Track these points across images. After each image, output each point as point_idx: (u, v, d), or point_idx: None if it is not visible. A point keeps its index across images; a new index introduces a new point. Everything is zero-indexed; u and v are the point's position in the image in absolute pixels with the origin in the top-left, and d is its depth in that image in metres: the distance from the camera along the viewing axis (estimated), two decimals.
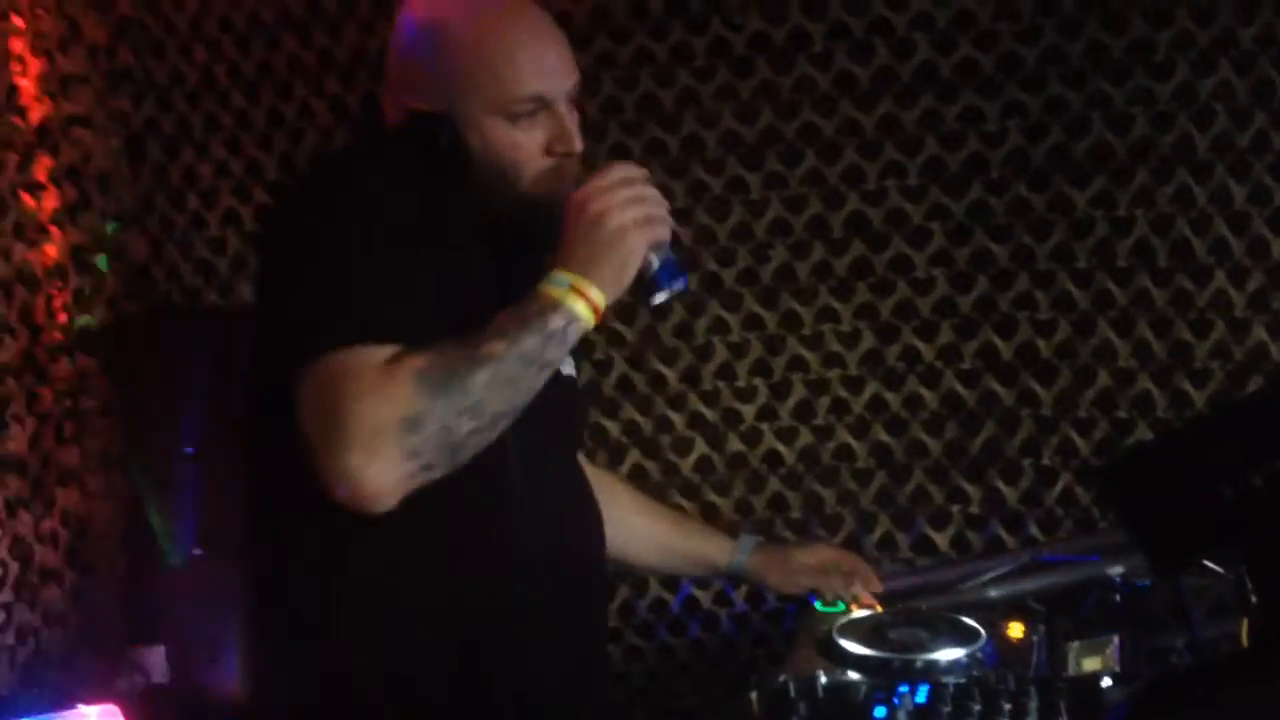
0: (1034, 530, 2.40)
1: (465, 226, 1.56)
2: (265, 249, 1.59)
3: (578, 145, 1.56)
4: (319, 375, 1.39)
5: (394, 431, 1.36)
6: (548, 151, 1.56)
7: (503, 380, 1.42)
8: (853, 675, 1.60)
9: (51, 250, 2.42)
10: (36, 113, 2.38)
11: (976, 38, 2.31)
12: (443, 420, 1.38)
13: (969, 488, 2.43)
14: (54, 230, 2.43)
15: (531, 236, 1.58)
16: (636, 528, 1.92)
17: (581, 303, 1.45)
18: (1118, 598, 1.88)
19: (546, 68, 1.54)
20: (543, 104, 1.54)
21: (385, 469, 1.37)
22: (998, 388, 2.39)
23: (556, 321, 1.44)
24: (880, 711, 1.49)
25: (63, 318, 2.43)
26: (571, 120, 1.57)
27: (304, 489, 1.40)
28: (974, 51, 2.31)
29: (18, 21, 2.34)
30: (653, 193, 1.51)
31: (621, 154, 2.46)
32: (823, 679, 1.55)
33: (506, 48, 1.53)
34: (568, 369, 1.67)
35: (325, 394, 1.38)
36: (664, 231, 1.50)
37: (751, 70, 2.39)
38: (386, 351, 1.40)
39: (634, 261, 1.47)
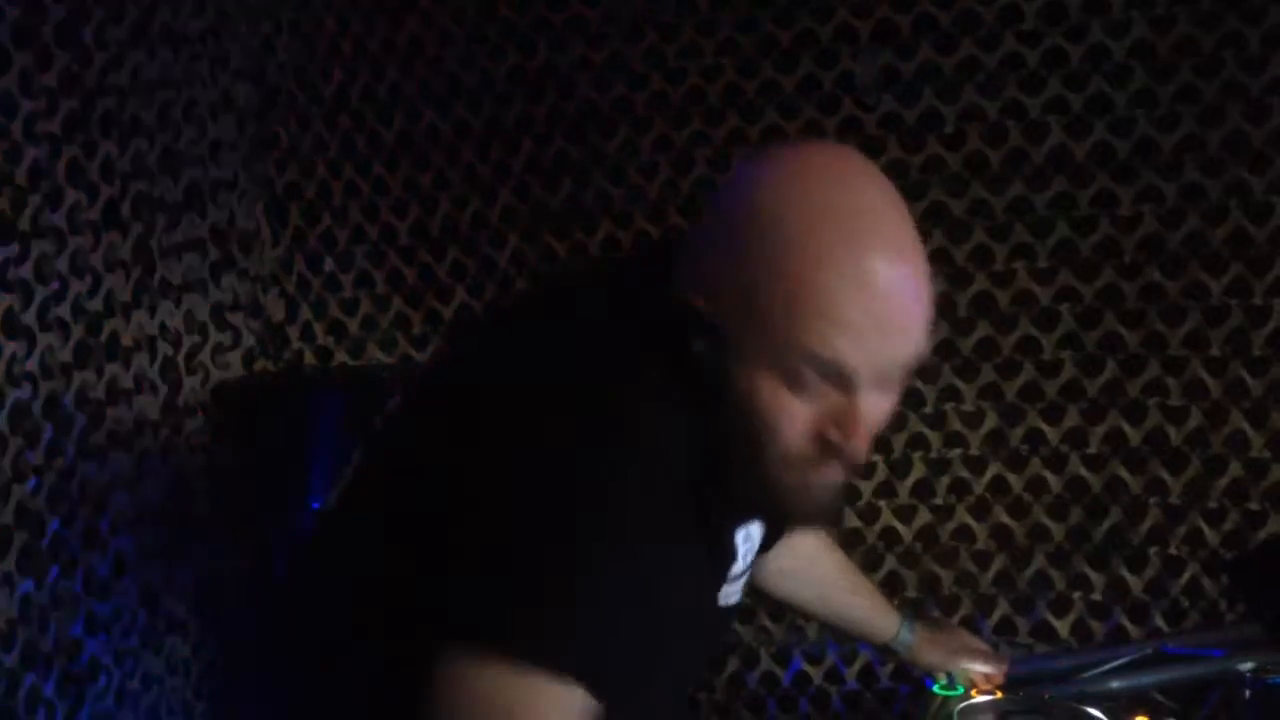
0: (1158, 620, 2.35)
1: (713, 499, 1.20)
2: (473, 438, 1.18)
3: (856, 445, 1.17)
4: (489, 694, 1.08)
5: None
6: (821, 428, 1.18)
7: None
8: None
9: (194, 308, 2.50)
10: (186, 177, 2.48)
11: (1112, 123, 2.30)
12: None
13: (1092, 574, 2.39)
14: (196, 290, 2.51)
15: (742, 514, 1.27)
16: (804, 559, 1.76)
17: None
18: (1247, 694, 1.83)
19: (872, 340, 1.14)
20: (836, 374, 1.16)
21: None
22: (1125, 474, 2.36)
23: None
24: None
25: (201, 374, 2.51)
26: (874, 409, 1.18)
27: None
28: (1109, 136, 2.31)
29: (174, 91, 2.44)
30: None
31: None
32: None
33: (840, 300, 1.13)
34: (737, 598, 1.41)
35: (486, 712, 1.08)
36: None
37: (882, 149, 2.40)
38: (580, 707, 1.08)
39: None
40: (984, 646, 1.96)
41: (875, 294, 1.15)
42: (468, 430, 1.17)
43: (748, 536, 1.41)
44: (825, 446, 1.19)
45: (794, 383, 1.16)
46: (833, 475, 1.21)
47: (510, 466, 1.14)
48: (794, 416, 1.17)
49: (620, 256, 2.35)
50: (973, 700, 1.80)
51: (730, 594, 1.40)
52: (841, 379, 1.17)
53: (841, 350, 1.15)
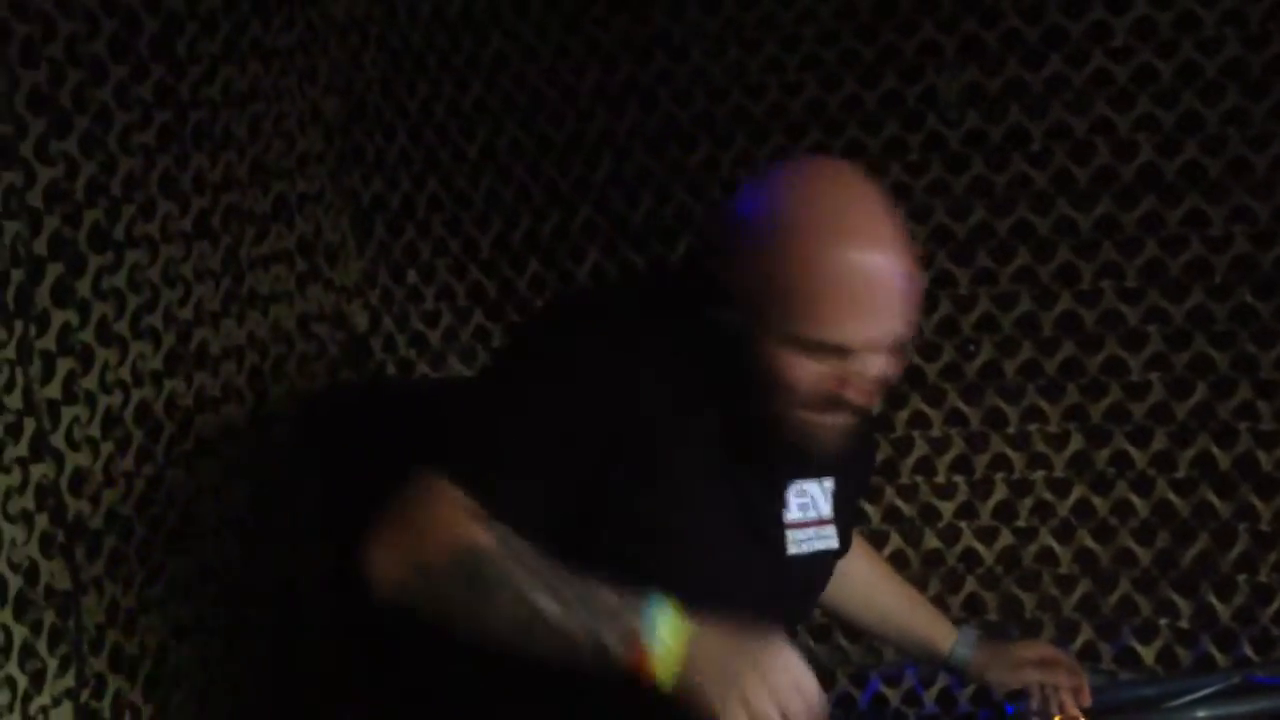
0: (1247, 649, 2.30)
1: (711, 426, 1.54)
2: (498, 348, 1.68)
3: (863, 398, 1.51)
4: (417, 486, 1.49)
5: (415, 553, 1.45)
6: (828, 385, 1.50)
7: (512, 626, 1.42)
8: None
9: (280, 318, 2.54)
10: (274, 189, 2.52)
11: (1203, 141, 2.27)
12: (439, 601, 1.45)
13: (1179, 601, 2.34)
14: (283, 301, 2.55)
15: (768, 453, 1.56)
16: (859, 578, 1.92)
17: (632, 647, 1.38)
18: None
19: (863, 322, 1.47)
20: (846, 350, 1.48)
21: (381, 572, 1.48)
22: (1214, 499, 2.31)
23: (611, 639, 1.38)
24: None
25: (286, 384, 2.54)
26: (873, 367, 1.50)
27: None
28: (1200, 154, 2.27)
29: (263, 104, 2.48)
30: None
31: None
32: None
33: (832, 293, 1.45)
34: (810, 548, 1.67)
35: (410, 493, 1.49)
36: None
37: (966, 166, 2.38)
38: (474, 508, 1.46)
39: (714, 710, 1.36)
40: (1053, 653, 1.94)
41: (855, 284, 1.45)
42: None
43: (802, 492, 1.67)
44: (832, 398, 1.50)
45: (804, 352, 1.47)
46: (841, 418, 1.52)
47: (514, 341, 1.65)
48: (806, 374, 1.48)
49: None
50: None
51: (807, 539, 1.66)
52: (840, 351, 1.47)
53: (834, 334, 1.46)
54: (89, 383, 2.09)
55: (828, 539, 1.70)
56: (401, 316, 2.73)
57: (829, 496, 1.71)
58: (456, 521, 1.45)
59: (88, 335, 2.09)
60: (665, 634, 1.38)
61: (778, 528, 1.64)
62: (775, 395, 1.50)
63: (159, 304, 2.23)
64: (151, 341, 2.21)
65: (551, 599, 1.40)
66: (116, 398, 2.14)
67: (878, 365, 1.51)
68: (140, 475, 2.18)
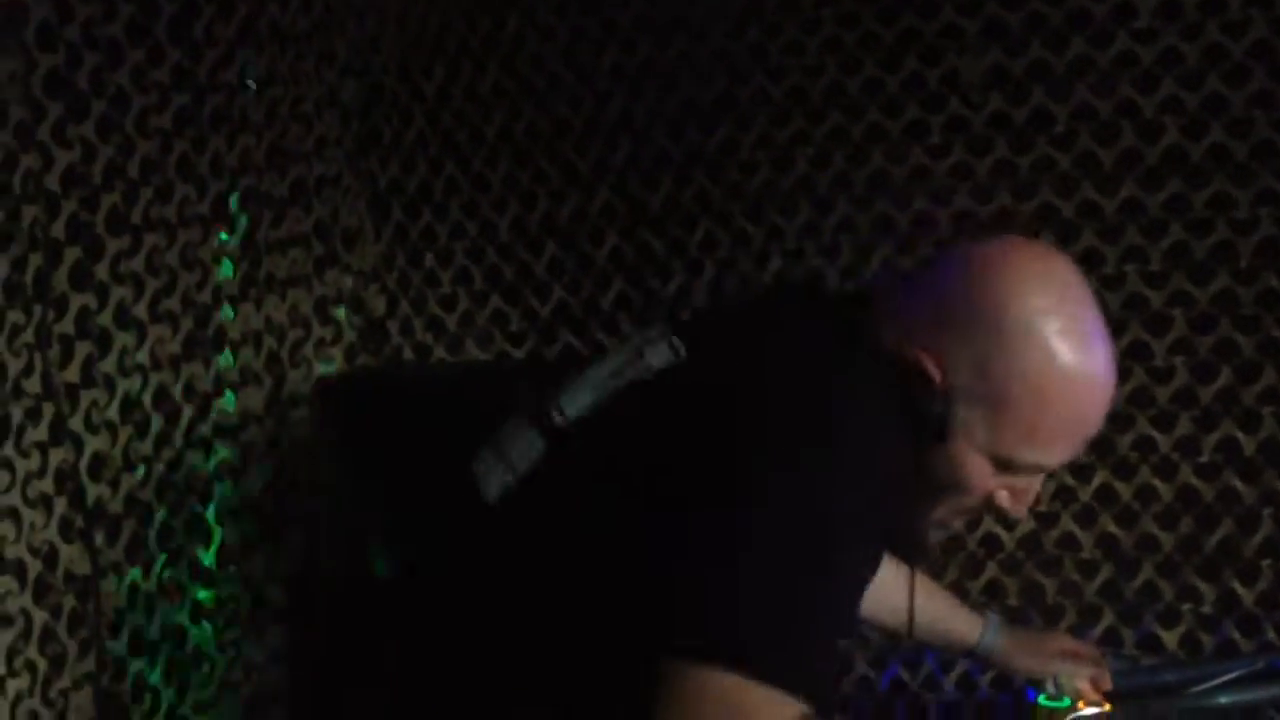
0: (1270, 634, 2.28)
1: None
2: (711, 443, 1.27)
3: (1020, 514, 1.40)
4: (714, 695, 1.17)
5: None
6: (1003, 499, 1.38)
7: None
8: None
9: (298, 303, 2.53)
10: (292, 172, 2.50)
11: (1229, 123, 2.24)
12: None
13: (1202, 586, 2.32)
14: (300, 284, 2.54)
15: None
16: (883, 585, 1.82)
17: None
18: None
19: (1074, 449, 1.36)
20: (1039, 472, 1.38)
21: None
22: (1238, 484, 2.29)
23: None
24: None
25: (304, 367, 2.54)
26: (1036, 487, 1.40)
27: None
28: (1226, 137, 2.24)
29: (281, 88, 2.47)
30: None
31: (849, 228, 2.47)
32: None
33: (1062, 427, 1.32)
34: None
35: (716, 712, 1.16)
36: None
37: (989, 149, 2.36)
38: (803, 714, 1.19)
39: None
40: (1081, 647, 1.92)
41: (1089, 420, 1.36)
42: (713, 437, 1.27)
43: None
44: (994, 510, 1.39)
45: (1001, 469, 1.35)
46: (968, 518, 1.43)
47: (766, 482, 1.23)
48: (988, 486, 1.36)
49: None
50: (1080, 713, 1.76)
51: None
52: (1037, 471, 1.38)
53: (1046, 459, 1.36)
54: (107, 366, 2.09)
55: None
56: (418, 300, 2.72)
57: None
58: None
59: (106, 319, 2.09)
60: None
61: None
62: (943, 495, 1.37)
63: (177, 287, 2.22)
64: (170, 325, 2.21)
65: None
66: (135, 382, 2.14)
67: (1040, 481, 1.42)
68: (159, 459, 2.18)
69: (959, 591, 2.43)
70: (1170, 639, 2.34)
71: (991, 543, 2.43)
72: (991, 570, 2.44)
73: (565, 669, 1.32)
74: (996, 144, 2.36)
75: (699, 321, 1.65)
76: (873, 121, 2.42)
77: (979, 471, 1.34)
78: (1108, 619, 2.38)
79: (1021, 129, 2.35)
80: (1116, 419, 2.34)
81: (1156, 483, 2.34)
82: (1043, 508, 2.39)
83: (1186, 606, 2.34)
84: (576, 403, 1.41)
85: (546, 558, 1.35)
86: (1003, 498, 1.38)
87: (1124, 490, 2.36)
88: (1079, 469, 2.37)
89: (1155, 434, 2.33)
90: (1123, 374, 2.29)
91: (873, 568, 1.33)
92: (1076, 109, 2.32)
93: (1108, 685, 1.89)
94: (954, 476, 1.34)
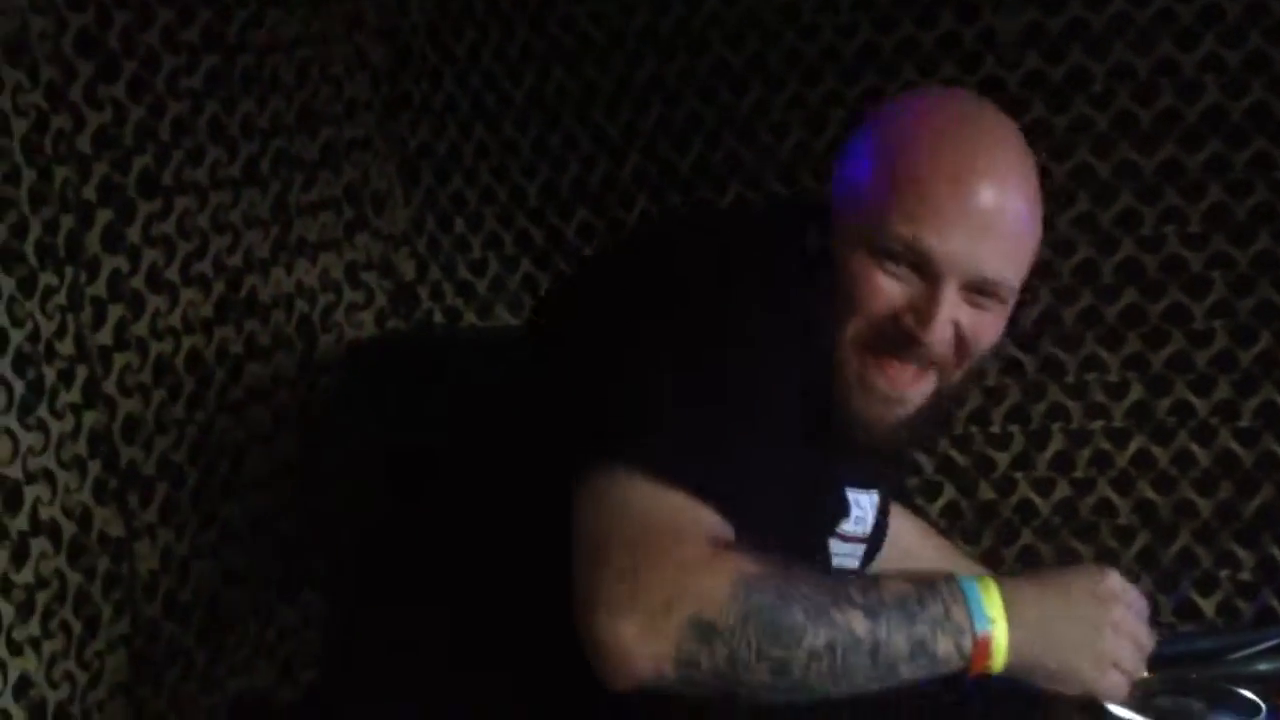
0: None
1: (815, 371, 1.27)
2: (598, 303, 1.28)
3: (930, 334, 1.28)
4: (625, 504, 1.12)
5: (684, 626, 1.08)
6: (896, 314, 1.29)
7: (837, 661, 1.11)
8: None
9: (328, 267, 2.52)
10: (322, 135, 2.49)
11: (1269, 82, 2.20)
12: (740, 656, 1.09)
13: (1240, 552, 2.30)
14: (331, 248, 2.53)
15: (834, 424, 1.31)
16: (899, 541, 1.70)
17: (976, 647, 1.14)
18: None
19: (943, 228, 1.26)
20: (920, 259, 1.28)
21: (653, 654, 1.09)
22: (1277, 449, 2.26)
23: (945, 647, 1.13)
24: None
25: (335, 332, 2.53)
26: (953, 307, 1.28)
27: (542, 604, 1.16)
28: (1268, 95, 2.20)
29: (310, 49, 2.46)
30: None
31: None
32: None
33: (913, 187, 1.27)
34: (851, 564, 1.45)
35: (627, 532, 1.10)
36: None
37: (1025, 108, 2.33)
38: (716, 526, 1.13)
39: (1082, 687, 1.21)
40: None
41: (970, 198, 1.26)
42: (587, 289, 1.31)
43: (858, 503, 1.48)
44: (901, 334, 1.28)
45: (883, 261, 1.27)
46: (909, 377, 1.29)
47: (637, 289, 1.24)
48: (878, 291, 1.27)
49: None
50: None
51: (842, 555, 1.44)
52: (926, 265, 1.27)
53: (926, 234, 1.26)
54: (140, 329, 2.09)
55: (855, 560, 1.49)
56: (449, 265, 2.71)
57: (874, 513, 1.53)
58: (710, 551, 1.11)
59: (138, 282, 2.09)
60: (989, 609, 1.15)
61: (833, 530, 1.43)
62: (847, 320, 1.29)
63: (209, 251, 2.22)
64: (201, 289, 2.20)
65: (861, 617, 1.11)
66: (168, 345, 2.14)
67: (963, 312, 1.30)
68: (192, 422, 2.18)
69: (994, 559, 2.43)
70: (1208, 606, 2.32)
71: (1027, 509, 2.41)
72: (1027, 537, 2.42)
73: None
74: (1033, 103, 2.32)
75: None
76: (908, 80, 2.38)
77: (865, 272, 1.28)
78: (1144, 586, 2.32)
79: (1058, 88, 2.31)
80: (1155, 383, 2.32)
81: (1194, 448, 2.31)
82: (1079, 473, 2.37)
83: (1224, 573, 2.32)
84: None
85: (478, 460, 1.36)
86: (904, 314, 1.29)
87: (1161, 455, 2.33)
88: (1116, 434, 2.35)
89: (1194, 398, 2.30)
90: (1161, 338, 2.31)
91: (789, 387, 1.24)
92: (1114, 67, 2.28)
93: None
94: (847, 286, 1.28)
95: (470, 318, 2.71)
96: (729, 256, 1.27)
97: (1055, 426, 2.38)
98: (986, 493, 2.43)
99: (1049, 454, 2.39)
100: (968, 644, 1.15)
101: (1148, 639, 1.32)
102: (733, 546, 1.14)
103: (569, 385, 1.24)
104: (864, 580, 1.22)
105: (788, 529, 1.21)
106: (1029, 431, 2.39)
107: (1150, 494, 2.34)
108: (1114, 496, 2.37)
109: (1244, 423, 2.28)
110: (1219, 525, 2.31)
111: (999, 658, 1.16)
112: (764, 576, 1.11)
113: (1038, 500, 2.41)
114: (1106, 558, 2.37)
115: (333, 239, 2.52)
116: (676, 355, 1.19)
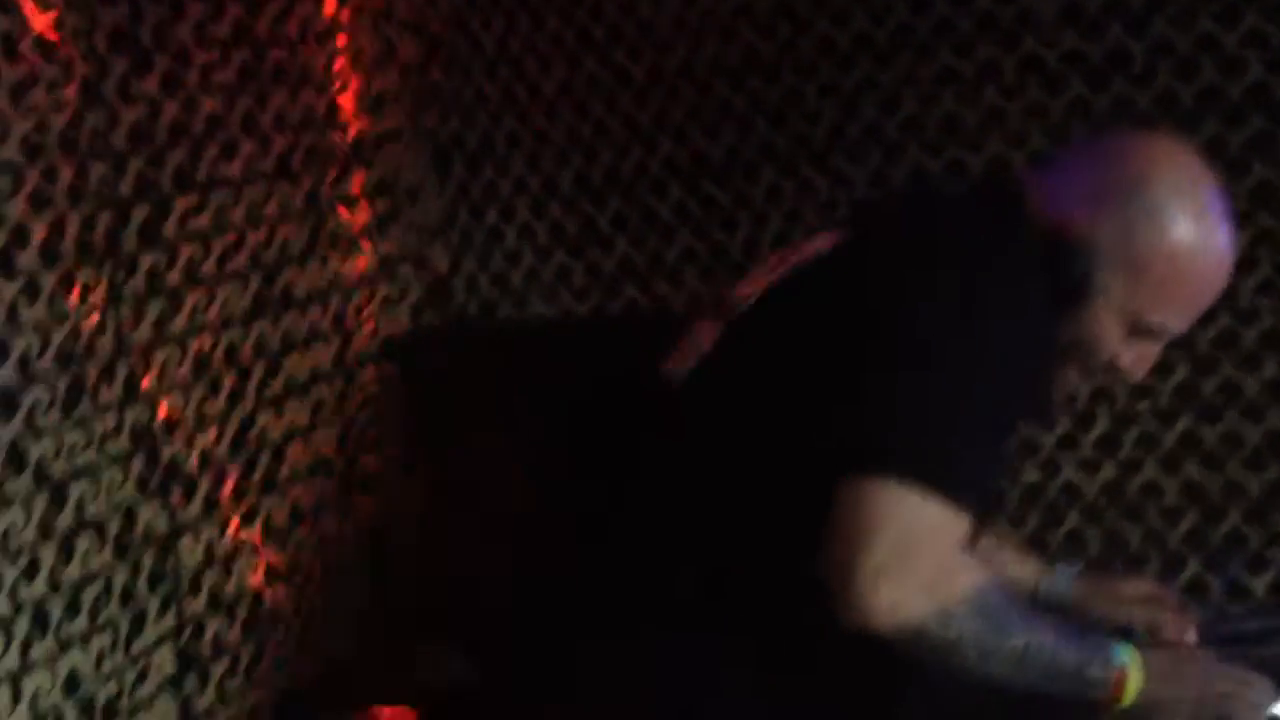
0: None
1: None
2: (886, 297, 1.42)
3: (1138, 376, 1.54)
4: (897, 503, 1.33)
5: (931, 609, 1.35)
6: (1129, 363, 1.51)
7: (1024, 662, 1.39)
8: None
9: (362, 260, 2.51)
10: (354, 129, 2.48)
11: None
12: (962, 641, 1.37)
13: None
14: (365, 241, 2.52)
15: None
16: None
17: (1116, 680, 1.41)
18: None
19: (1196, 314, 1.51)
20: (1163, 337, 1.51)
21: (899, 619, 1.34)
22: None
23: (1094, 685, 1.41)
24: None
25: (370, 325, 2.52)
26: (1156, 354, 1.53)
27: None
28: None
29: (340, 42, 2.44)
30: None
31: (921, 174, 2.42)
32: None
33: (1195, 290, 1.49)
34: None
35: (898, 523, 1.33)
36: None
37: (1065, 87, 2.31)
38: (964, 528, 1.37)
39: None
40: (1162, 591, 1.88)
41: (1212, 288, 1.50)
42: (880, 300, 1.42)
43: None
44: (1116, 369, 1.51)
45: (1130, 330, 1.48)
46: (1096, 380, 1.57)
47: (934, 331, 1.39)
48: (1115, 348, 1.48)
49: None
50: None
51: None
52: (1161, 336, 1.50)
53: (1176, 323, 1.50)
54: (178, 325, 2.07)
55: None
56: (483, 256, 2.69)
57: None
58: (964, 563, 1.39)
59: (176, 277, 2.08)
60: (1132, 660, 1.43)
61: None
62: (1074, 355, 1.49)
63: (245, 245, 2.21)
64: (239, 284, 2.19)
65: (1048, 633, 1.41)
66: (206, 340, 2.13)
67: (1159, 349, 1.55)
68: (231, 418, 2.17)
69: (1039, 542, 2.40)
70: (1258, 586, 2.30)
71: (1072, 491, 2.39)
72: (1073, 520, 2.40)
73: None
74: (1072, 82, 2.30)
75: (861, 209, 1.86)
76: (945, 64, 2.37)
77: (1110, 332, 1.48)
78: (1192, 567, 2.33)
79: (1098, 67, 2.29)
80: (1200, 362, 2.29)
81: (1244, 428, 2.29)
82: (1125, 454, 2.35)
83: (1274, 553, 2.29)
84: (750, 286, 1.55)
85: (728, 429, 1.48)
86: (1126, 359, 1.50)
87: (1209, 435, 2.31)
88: (1162, 415, 2.33)
89: (1242, 377, 2.28)
90: (1206, 316, 2.26)
91: (1025, 412, 1.48)
92: (1154, 44, 2.26)
93: (1191, 632, 1.84)
94: (1087, 335, 1.47)
95: (506, 309, 2.70)
96: (1018, 287, 1.43)
97: (1100, 408, 2.36)
98: (1031, 475, 2.40)
99: (1094, 435, 2.37)
100: (1111, 677, 1.42)
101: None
102: (970, 551, 1.41)
103: (850, 378, 1.40)
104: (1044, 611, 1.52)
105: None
106: (1074, 414, 2.37)
107: (1197, 474, 2.32)
108: (1161, 477, 2.34)
109: None
110: (1269, 505, 2.29)
111: (1130, 694, 1.42)
112: (996, 588, 1.41)
113: (1083, 483, 2.38)
114: (1153, 539, 2.35)
115: (366, 232, 2.51)
116: (955, 375, 1.38)
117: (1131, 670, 1.42)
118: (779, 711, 1.48)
